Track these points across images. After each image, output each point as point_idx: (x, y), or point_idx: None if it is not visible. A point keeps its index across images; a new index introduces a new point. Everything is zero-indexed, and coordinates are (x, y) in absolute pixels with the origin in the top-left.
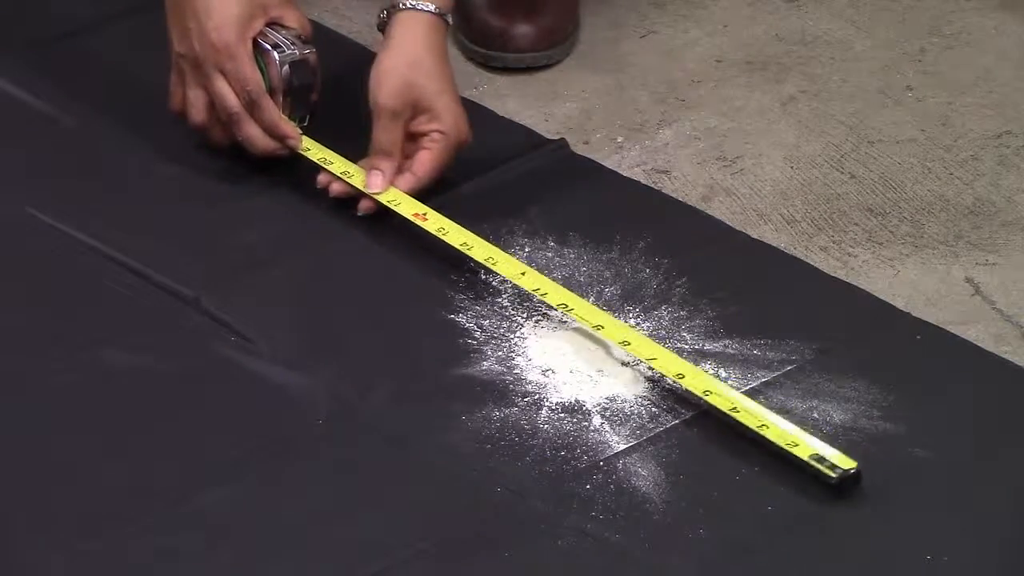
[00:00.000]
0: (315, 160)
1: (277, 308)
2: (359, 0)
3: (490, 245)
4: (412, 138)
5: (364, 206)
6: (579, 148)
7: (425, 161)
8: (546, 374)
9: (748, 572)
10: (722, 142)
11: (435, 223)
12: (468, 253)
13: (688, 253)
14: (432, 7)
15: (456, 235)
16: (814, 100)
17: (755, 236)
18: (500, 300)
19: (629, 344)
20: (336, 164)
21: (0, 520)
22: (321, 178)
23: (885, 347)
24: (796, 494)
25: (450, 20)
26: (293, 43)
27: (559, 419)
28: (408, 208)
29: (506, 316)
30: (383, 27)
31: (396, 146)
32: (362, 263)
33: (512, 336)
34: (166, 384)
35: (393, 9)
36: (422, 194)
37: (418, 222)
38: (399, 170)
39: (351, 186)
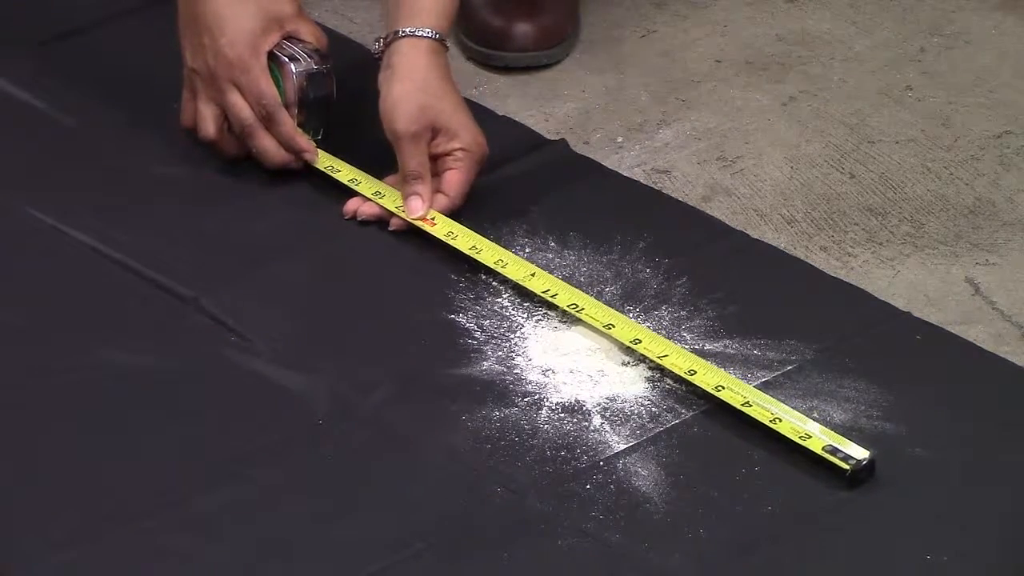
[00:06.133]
0: (322, 168)
1: (277, 308)
2: (359, 0)
3: (499, 248)
4: (434, 159)
5: (396, 223)
6: (579, 148)
7: (454, 181)
8: (546, 374)
9: (748, 572)
10: (722, 142)
11: (444, 227)
12: (477, 257)
13: (688, 253)
14: (431, 32)
15: (465, 239)
16: (814, 100)
17: (755, 236)
18: (500, 300)
19: (640, 342)
20: (344, 172)
21: (0, 520)
22: (348, 207)
23: (885, 347)
24: (796, 494)
25: (448, 44)
26: (310, 56)
27: (559, 419)
28: (442, 228)
29: (506, 316)
30: (380, 56)
31: (425, 167)
32: (362, 263)
33: (512, 336)
34: (166, 384)
35: (391, 37)
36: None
37: (426, 227)
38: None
39: (381, 206)
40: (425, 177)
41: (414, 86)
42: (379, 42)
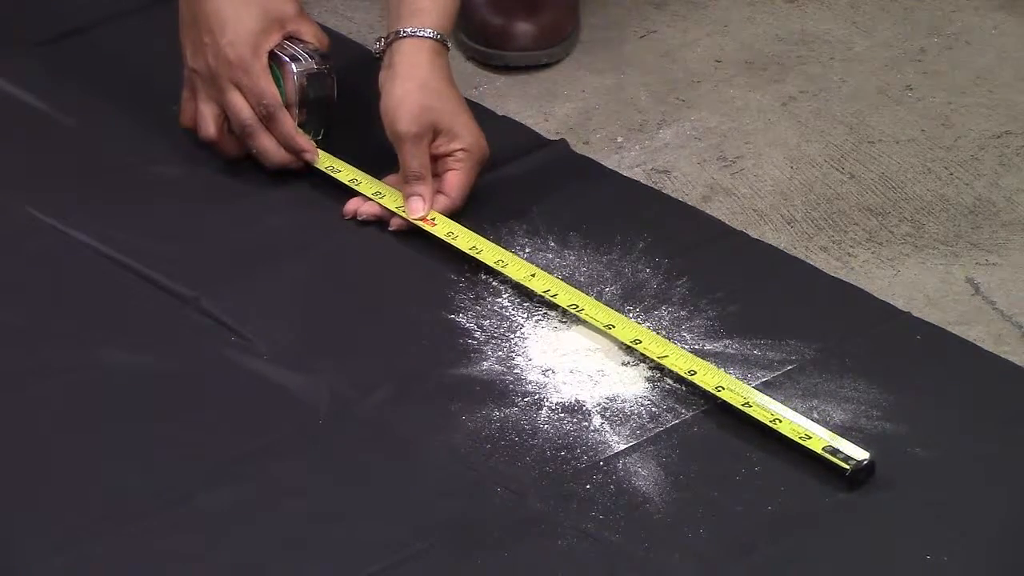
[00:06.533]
0: (322, 168)
1: (277, 308)
2: (359, 0)
3: (499, 248)
4: (434, 160)
5: (396, 223)
6: (579, 148)
7: (455, 182)
8: (546, 374)
9: (748, 572)
10: (722, 142)
11: (444, 227)
12: (478, 257)
13: (688, 253)
14: (432, 32)
15: (465, 239)
16: (814, 100)
17: (755, 236)
18: (500, 300)
19: (640, 342)
20: (344, 172)
21: (0, 520)
22: (348, 207)
23: (885, 347)
24: (796, 494)
25: (449, 44)
26: (310, 56)
27: (559, 419)
28: (443, 229)
29: (506, 316)
30: (382, 55)
31: (426, 168)
32: (362, 263)
33: (512, 336)
34: (166, 384)
35: (393, 37)
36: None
37: (427, 227)
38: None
39: (382, 206)
40: (426, 178)
41: (415, 86)
42: (380, 41)
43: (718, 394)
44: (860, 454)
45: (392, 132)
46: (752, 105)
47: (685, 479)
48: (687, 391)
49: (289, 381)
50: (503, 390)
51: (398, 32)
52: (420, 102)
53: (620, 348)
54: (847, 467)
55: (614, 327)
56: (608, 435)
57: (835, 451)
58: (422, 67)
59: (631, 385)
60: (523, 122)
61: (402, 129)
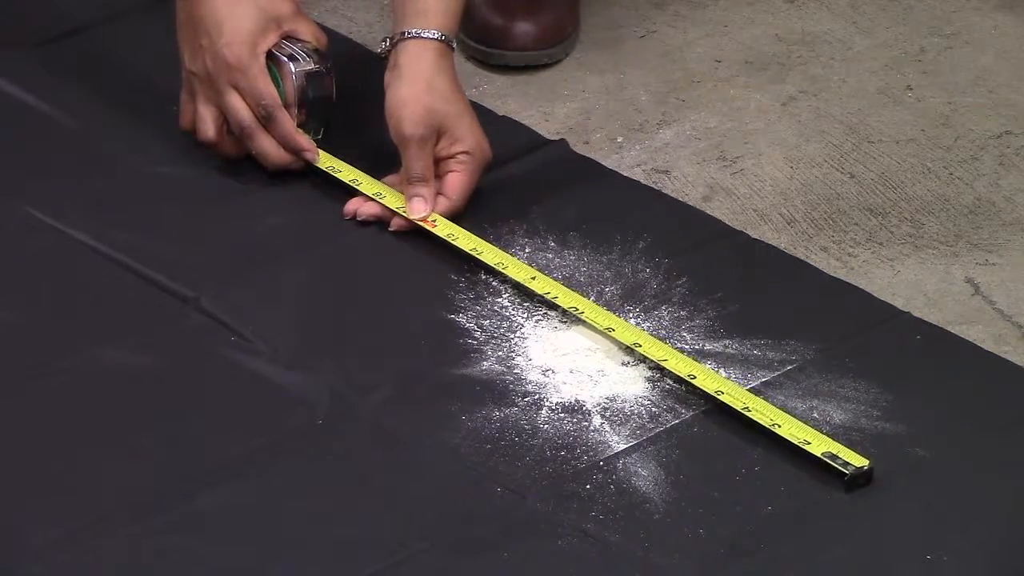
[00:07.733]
0: (323, 168)
1: (277, 308)
2: (359, 0)
3: (499, 250)
4: (436, 162)
5: (396, 223)
6: (579, 148)
7: (456, 184)
8: (546, 374)
9: (748, 572)
10: (722, 142)
11: (444, 229)
12: (479, 258)
13: (688, 253)
14: (437, 34)
15: (465, 240)
16: (814, 100)
17: (755, 236)
18: (500, 300)
19: (640, 346)
20: (344, 172)
21: (0, 520)
22: (348, 207)
23: (885, 347)
24: (796, 494)
25: (454, 45)
26: (309, 55)
27: (559, 419)
28: (443, 230)
29: (506, 316)
30: (387, 56)
31: (430, 170)
32: (362, 263)
33: (512, 336)
34: (166, 384)
35: (398, 38)
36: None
37: (427, 227)
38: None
39: (382, 206)
40: (429, 180)
41: (421, 88)
42: (386, 42)
43: (718, 397)
44: (859, 461)
45: (397, 134)
46: (752, 105)
47: (685, 479)
48: (687, 391)
49: (289, 381)
50: (503, 390)
51: (403, 33)
52: (425, 104)
53: (620, 348)
54: (846, 472)
55: (614, 330)
56: (608, 435)
57: (834, 457)
58: (427, 68)
59: (631, 385)
60: (523, 122)
61: (407, 131)
